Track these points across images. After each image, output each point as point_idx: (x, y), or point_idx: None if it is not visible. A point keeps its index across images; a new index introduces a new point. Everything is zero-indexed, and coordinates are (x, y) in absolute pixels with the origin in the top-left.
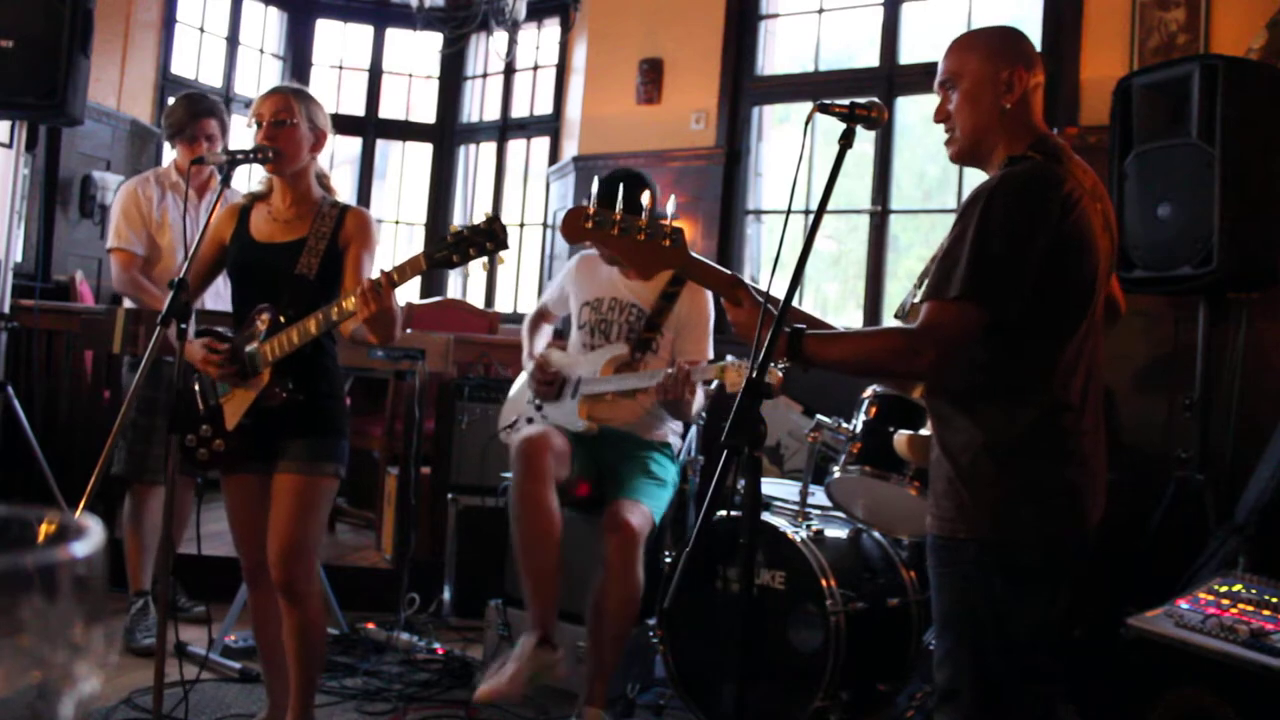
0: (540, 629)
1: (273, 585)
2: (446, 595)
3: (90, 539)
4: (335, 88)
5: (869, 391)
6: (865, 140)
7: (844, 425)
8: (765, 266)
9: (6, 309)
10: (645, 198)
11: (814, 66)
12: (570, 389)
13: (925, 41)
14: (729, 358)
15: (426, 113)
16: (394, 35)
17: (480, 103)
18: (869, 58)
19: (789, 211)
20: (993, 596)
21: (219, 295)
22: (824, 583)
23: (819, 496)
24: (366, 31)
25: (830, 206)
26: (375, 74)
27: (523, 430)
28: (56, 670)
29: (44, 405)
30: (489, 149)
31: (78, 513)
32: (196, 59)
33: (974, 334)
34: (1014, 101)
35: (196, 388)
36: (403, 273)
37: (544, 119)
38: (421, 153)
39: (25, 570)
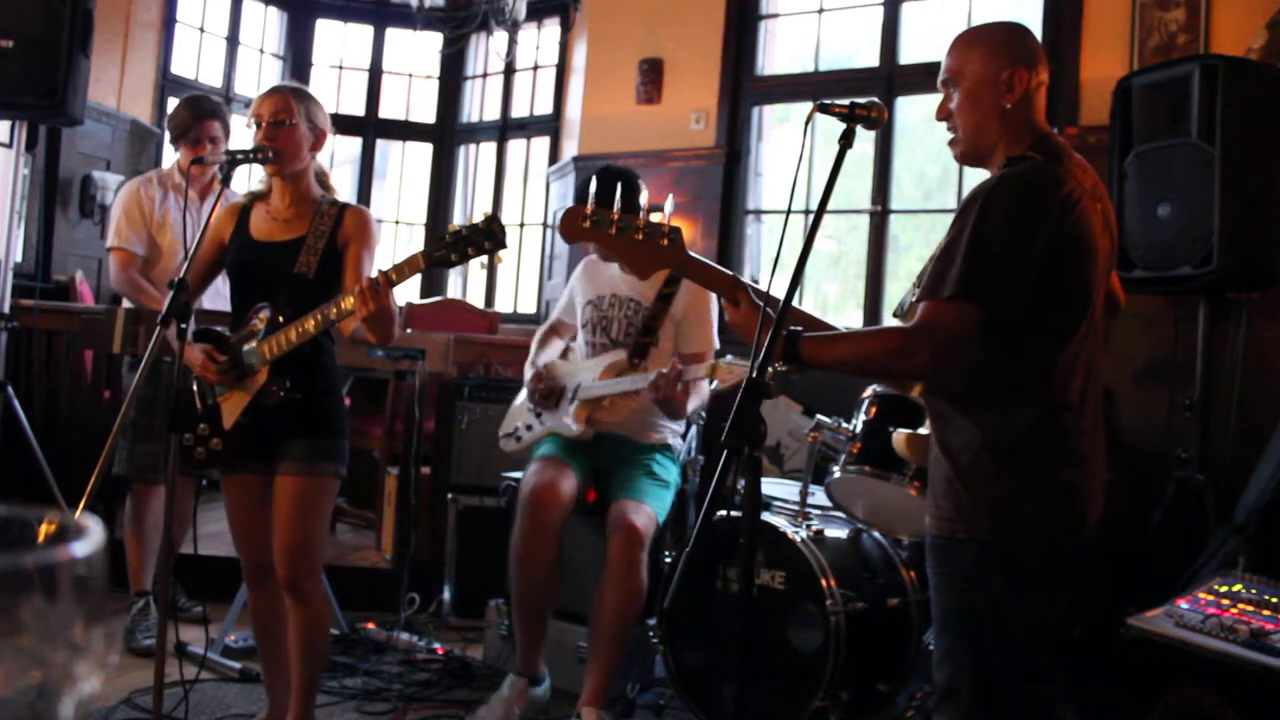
0: (528, 668)
1: (273, 585)
2: (446, 595)
3: (90, 539)
4: (335, 88)
5: (869, 391)
6: (865, 140)
7: (844, 425)
8: (765, 266)
9: (6, 309)
10: (643, 198)
11: (814, 66)
12: (569, 395)
13: (925, 41)
14: (729, 357)
15: (426, 113)
16: (394, 35)
17: (480, 103)
18: (869, 58)
19: (789, 211)
20: (992, 596)
21: (219, 294)
22: (824, 583)
23: (819, 496)
24: (366, 31)
25: (830, 206)
26: (375, 74)
27: (531, 475)
28: (56, 670)
29: (44, 405)
30: (489, 149)
31: (78, 513)
32: (196, 59)
33: (970, 334)
34: (1014, 102)
35: (195, 387)
36: (401, 272)
37: (544, 119)
38: (421, 153)
39: (25, 570)
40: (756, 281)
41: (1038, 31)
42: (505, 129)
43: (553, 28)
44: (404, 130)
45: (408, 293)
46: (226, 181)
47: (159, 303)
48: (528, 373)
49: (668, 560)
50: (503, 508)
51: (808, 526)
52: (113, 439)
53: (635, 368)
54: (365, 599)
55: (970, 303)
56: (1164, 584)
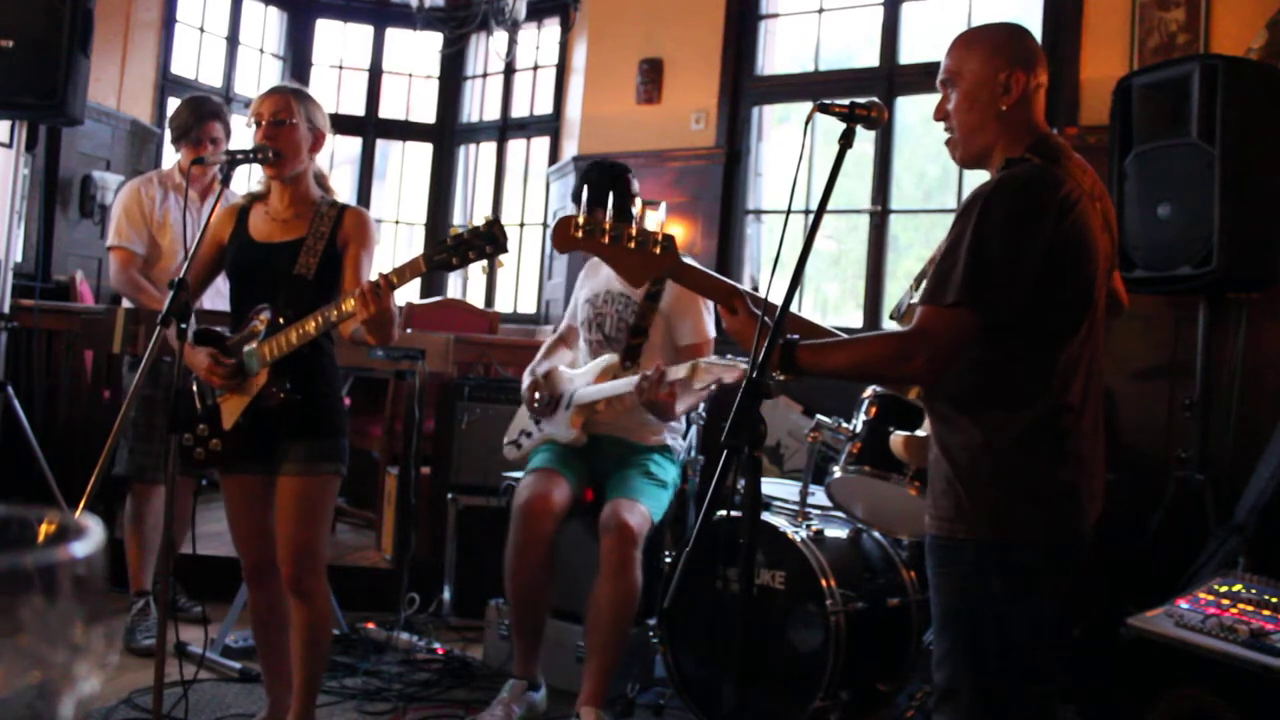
0: (525, 673)
1: (273, 585)
2: (446, 595)
3: (90, 539)
4: (335, 88)
5: (869, 392)
6: (865, 140)
7: (844, 425)
8: (765, 266)
9: (6, 309)
10: (635, 186)
11: (814, 66)
12: (565, 401)
13: (925, 41)
14: (729, 356)
15: (426, 113)
16: (394, 35)
17: (480, 103)
18: (869, 58)
19: (789, 211)
20: (991, 596)
21: (219, 294)
22: (824, 583)
23: (819, 496)
24: (366, 31)
25: (830, 206)
26: (375, 74)
27: (524, 487)
28: (56, 670)
29: (44, 405)
30: (489, 149)
31: (78, 513)
32: (196, 59)
33: (968, 339)
34: (1011, 104)
35: (194, 387)
36: (402, 275)
37: (544, 119)
38: (421, 153)
39: (25, 570)
40: (756, 282)
41: (1038, 31)
42: (505, 129)
43: (553, 28)
44: (404, 130)
45: (408, 293)
46: (226, 182)
47: (159, 302)
48: (525, 380)
49: (668, 560)
50: (503, 508)
51: (808, 526)
52: (113, 439)
53: (628, 370)
54: (365, 599)
55: (969, 309)
56: (1164, 584)
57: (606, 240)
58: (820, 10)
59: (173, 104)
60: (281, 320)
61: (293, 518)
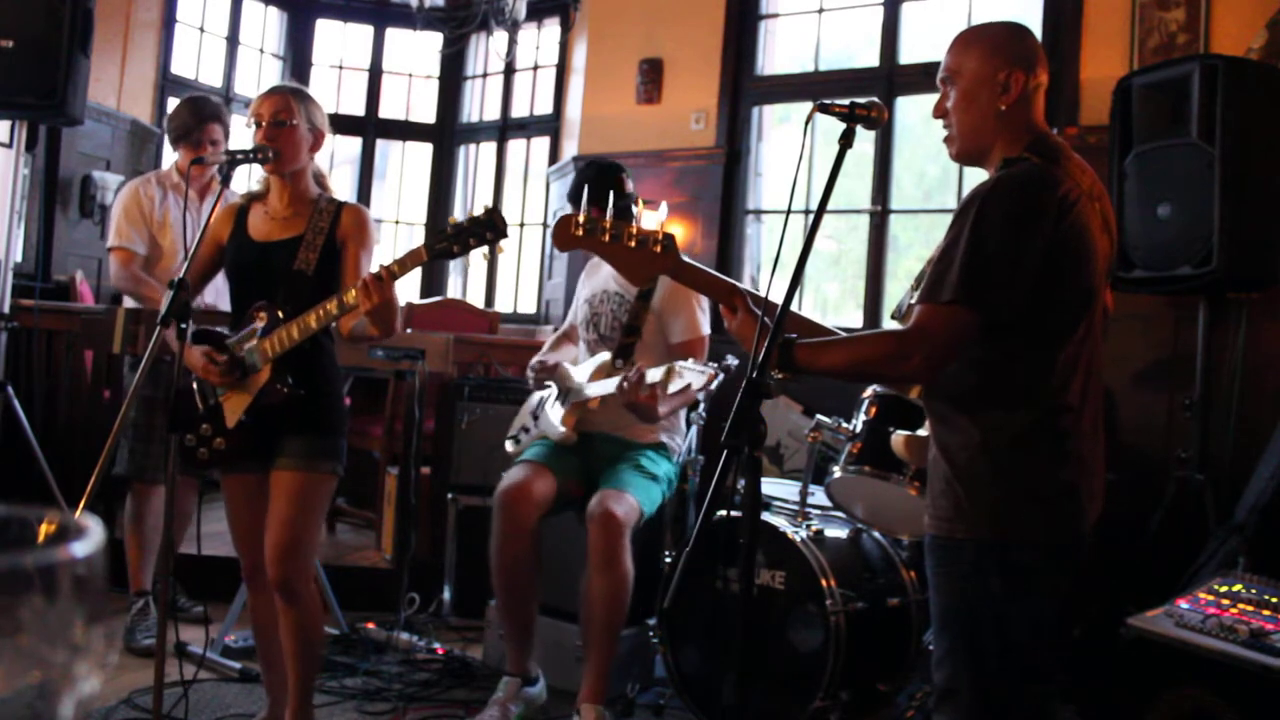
0: (519, 668)
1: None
2: (446, 595)
3: (90, 539)
4: (335, 88)
5: (869, 391)
6: (865, 140)
7: (844, 425)
8: (765, 266)
9: (6, 309)
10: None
11: (814, 66)
12: (561, 398)
13: (925, 41)
14: (729, 357)
15: (426, 113)
16: (394, 35)
17: (480, 103)
18: (869, 58)
19: (789, 211)
20: (991, 596)
21: (220, 294)
22: (824, 583)
23: (819, 496)
24: (366, 31)
25: (830, 206)
26: (375, 74)
27: (506, 478)
28: (56, 670)
29: (44, 405)
30: (489, 149)
31: (78, 513)
32: (196, 59)
33: (966, 338)
34: (1010, 103)
35: (195, 387)
36: (403, 265)
37: (544, 119)
38: (421, 153)
39: (25, 570)
40: (757, 282)
41: (1038, 31)
42: (505, 129)
43: (553, 28)
44: (404, 130)
45: (408, 293)
46: (226, 181)
47: (160, 295)
48: (533, 361)
49: (668, 560)
50: None
51: (808, 526)
52: (113, 439)
53: (619, 369)
54: (365, 599)
55: (967, 308)
56: (1164, 584)
57: (607, 239)
58: (820, 10)
59: (173, 104)
60: (280, 314)
61: (284, 514)
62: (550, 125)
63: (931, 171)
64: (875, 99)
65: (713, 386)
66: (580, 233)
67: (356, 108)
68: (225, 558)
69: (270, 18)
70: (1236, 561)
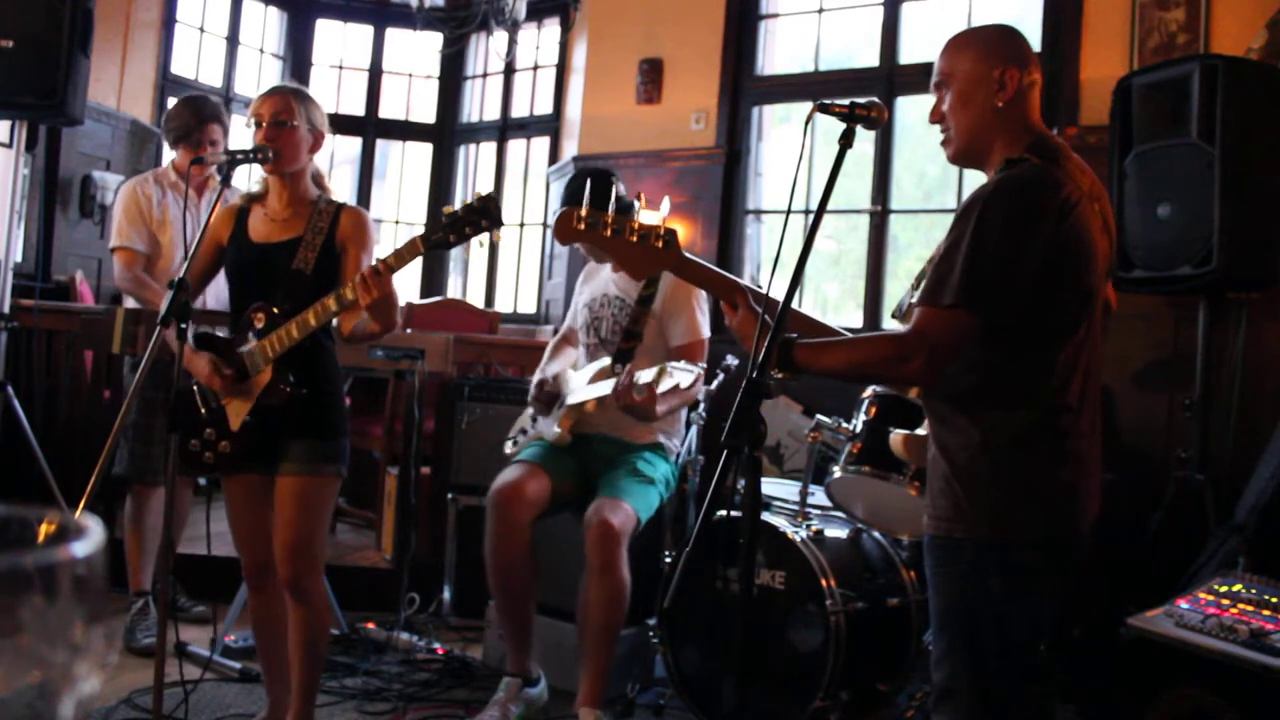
0: (519, 668)
1: (273, 585)
2: (446, 595)
3: (90, 539)
4: (335, 88)
5: (869, 391)
6: (865, 140)
7: (844, 425)
8: (765, 266)
9: (6, 309)
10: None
11: (814, 66)
12: (559, 401)
13: (925, 41)
14: (729, 357)
15: (426, 113)
16: (394, 35)
17: (480, 103)
18: (869, 58)
19: (789, 211)
20: (990, 596)
21: (220, 298)
22: (824, 583)
23: (819, 496)
24: (366, 31)
25: (830, 206)
26: (375, 74)
27: (499, 478)
28: (56, 670)
29: (44, 405)
30: (489, 149)
31: (78, 513)
32: (196, 59)
33: (966, 341)
34: (1007, 100)
35: (196, 389)
36: (400, 257)
37: (544, 119)
38: (421, 153)
39: (25, 570)
40: (757, 282)
41: (1037, 31)
42: (505, 129)
43: (553, 28)
44: (404, 130)
45: (408, 293)
46: (226, 181)
47: (162, 299)
48: (535, 379)
49: (668, 560)
50: None
51: (808, 526)
52: (113, 439)
53: (618, 373)
54: (365, 599)
55: (968, 311)
56: (1164, 584)
57: (609, 233)
58: (820, 10)
59: (173, 104)
60: (276, 312)
61: (292, 517)
62: (550, 125)
63: (931, 171)
64: (875, 99)
65: (701, 386)
66: (582, 227)
67: (356, 108)
68: (225, 558)
69: (270, 18)
70: (1236, 561)
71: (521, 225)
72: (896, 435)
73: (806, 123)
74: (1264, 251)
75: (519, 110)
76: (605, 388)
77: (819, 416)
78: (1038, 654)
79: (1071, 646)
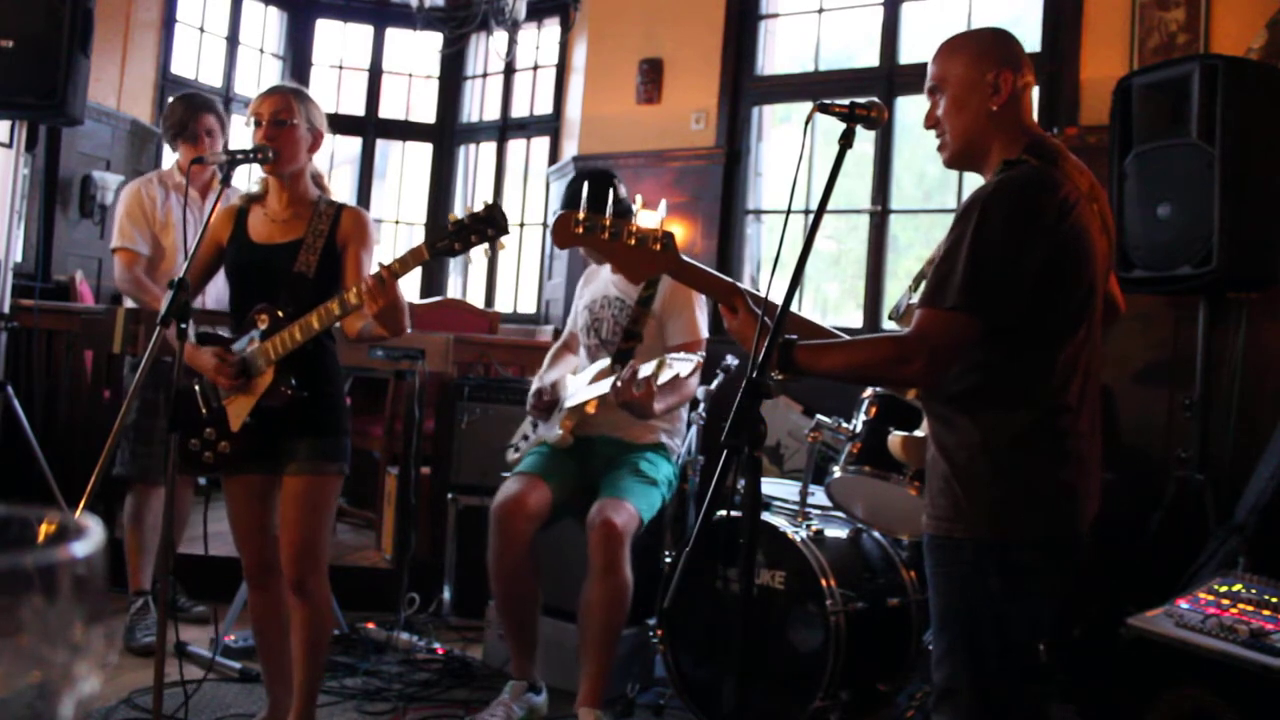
0: (523, 675)
1: (273, 585)
2: (446, 595)
3: (90, 539)
4: (335, 88)
5: (869, 392)
6: (865, 140)
7: (844, 425)
8: (765, 266)
9: (6, 309)
10: (622, 191)
11: (814, 66)
12: (559, 406)
13: (925, 41)
14: (729, 358)
15: (426, 113)
16: (394, 35)
17: (480, 103)
18: (869, 58)
19: (789, 211)
20: (990, 596)
21: (220, 298)
22: (824, 583)
23: (819, 496)
24: (366, 31)
25: (830, 206)
26: (375, 74)
27: (501, 491)
28: (56, 670)
29: (44, 405)
30: (489, 149)
31: (78, 513)
32: (196, 59)
33: (967, 343)
34: (1001, 103)
35: (198, 389)
36: (405, 264)
37: (544, 119)
38: (421, 153)
39: (25, 570)
40: (757, 282)
41: (1037, 31)
42: (505, 129)
43: (553, 28)
44: (404, 130)
45: (408, 294)
46: (227, 181)
47: (161, 301)
48: (533, 387)
49: (668, 560)
50: None
51: (808, 526)
52: (113, 439)
53: (618, 372)
54: (365, 599)
55: (969, 312)
56: (1164, 584)
57: (606, 236)
58: (820, 10)
59: (177, 102)
60: (281, 315)
61: (296, 517)
62: (550, 125)
63: (931, 171)
64: (875, 99)
65: (698, 383)
66: (580, 230)
67: (356, 108)
68: (226, 558)
69: (270, 18)
70: (1236, 561)
71: (521, 225)
72: (895, 437)
73: (806, 123)
74: (1264, 251)
75: (519, 110)
76: (605, 387)
77: (819, 416)
78: (1037, 654)
79: (1071, 646)
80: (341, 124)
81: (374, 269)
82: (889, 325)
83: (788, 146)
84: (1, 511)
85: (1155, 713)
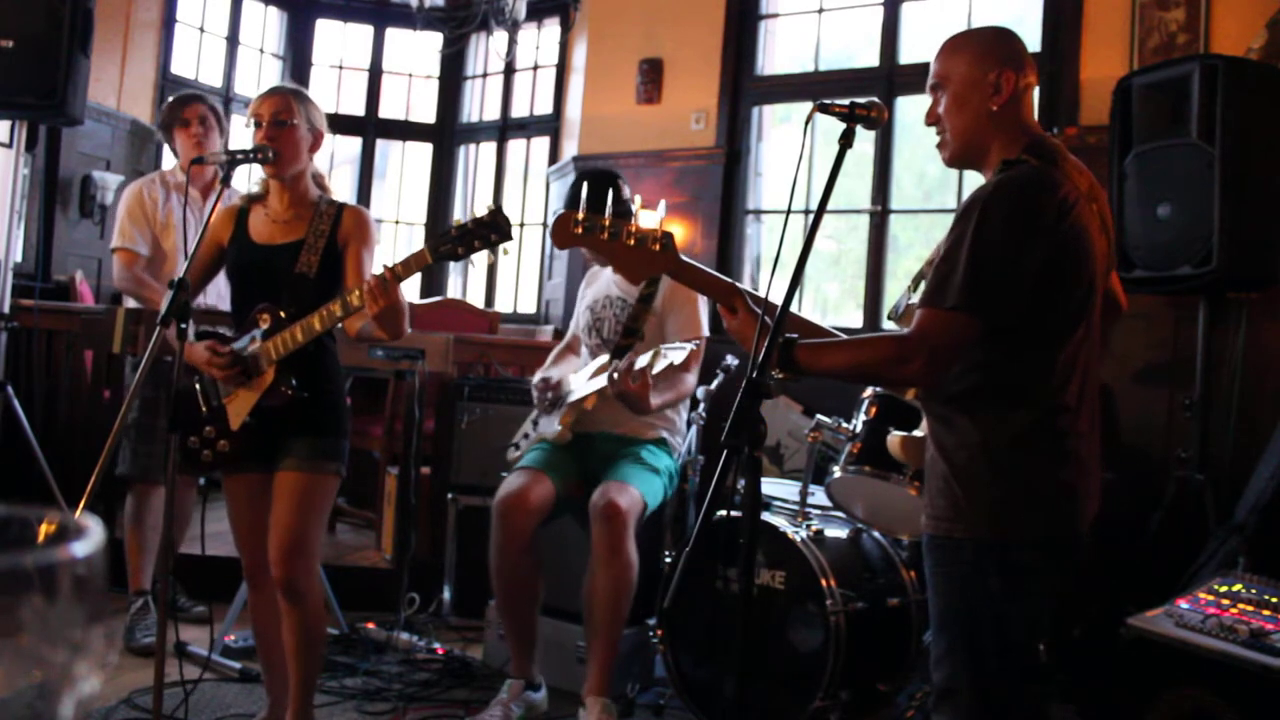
0: (522, 672)
1: (273, 585)
2: (446, 595)
3: (90, 539)
4: (335, 88)
5: (869, 392)
6: (865, 140)
7: (844, 425)
8: (765, 266)
9: (6, 309)
10: (625, 192)
11: (814, 66)
12: (561, 402)
13: (925, 41)
14: (728, 357)
15: (426, 113)
16: (394, 35)
17: (480, 103)
18: (869, 58)
19: (789, 211)
20: (990, 596)
21: (221, 298)
22: (824, 583)
23: (819, 496)
24: (366, 31)
25: (830, 206)
26: (375, 74)
27: (503, 486)
28: (56, 670)
29: (44, 405)
30: (489, 149)
31: (78, 513)
32: (196, 59)
33: (966, 343)
34: (1002, 103)
35: (198, 388)
36: (407, 266)
37: (544, 119)
38: (421, 153)
39: (25, 570)
40: (757, 282)
41: (1037, 31)
42: (505, 129)
43: (553, 28)
44: (404, 130)
45: (408, 294)
46: (227, 181)
47: (162, 299)
48: (536, 378)
49: (668, 560)
50: None
51: (808, 526)
52: (113, 439)
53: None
54: (365, 599)
55: (969, 313)
56: (1164, 584)
57: (605, 236)
58: (820, 10)
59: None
60: (283, 315)
61: (288, 515)
62: (550, 125)
63: (931, 171)
64: (875, 99)
65: (694, 381)
66: (579, 230)
67: (356, 108)
68: (226, 558)
69: (270, 18)
70: (1236, 561)
71: (521, 225)
72: (894, 437)
73: (806, 123)
74: (1264, 251)
75: (519, 110)
76: (603, 381)
77: (819, 416)
78: (1037, 654)
79: (1071, 646)
80: (341, 124)
81: (375, 269)
82: (889, 325)
83: (788, 146)
84: (1, 511)
85: (1155, 713)
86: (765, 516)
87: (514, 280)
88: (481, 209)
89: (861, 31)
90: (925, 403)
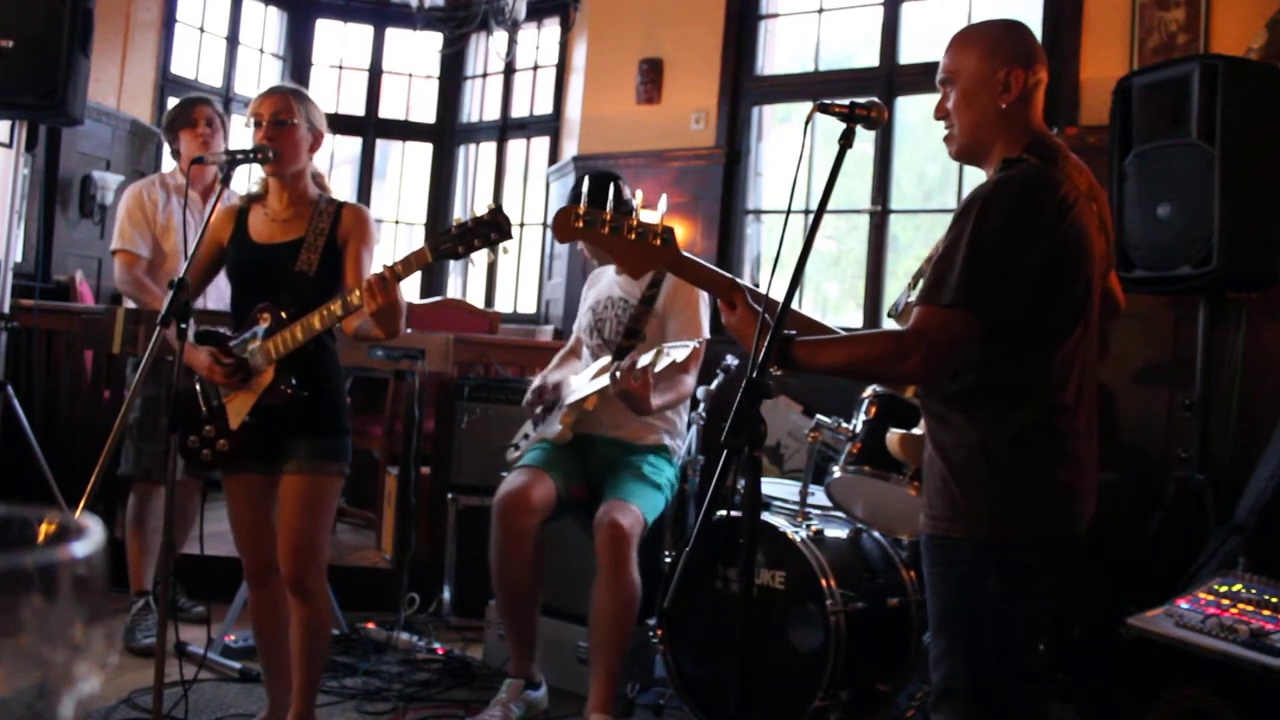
0: (521, 671)
1: (274, 585)
2: (446, 595)
3: (90, 539)
4: (335, 88)
5: (869, 391)
6: (865, 140)
7: (844, 425)
8: (765, 266)
9: (6, 309)
10: (625, 192)
11: (814, 66)
12: (559, 404)
13: (925, 41)
14: (728, 357)
15: (426, 113)
16: (394, 35)
17: (480, 102)
18: (869, 58)
19: (789, 211)
20: (989, 596)
21: (221, 298)
22: (824, 583)
23: (819, 496)
24: (366, 31)
25: (830, 206)
26: (375, 74)
27: (504, 484)
28: (56, 670)
29: (44, 405)
30: (489, 149)
31: (78, 513)
32: (196, 59)
33: (965, 340)
34: (1010, 101)
35: (198, 387)
36: (408, 265)
37: (544, 119)
38: (421, 152)
39: (25, 570)
40: (757, 282)
41: (1037, 31)
42: (505, 129)
43: (553, 28)
44: (404, 130)
45: (408, 294)
46: (227, 181)
47: (162, 302)
48: (534, 384)
49: (668, 560)
50: None
51: (808, 526)
52: (113, 439)
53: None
54: (365, 599)
55: (968, 311)
56: (1164, 584)
57: (607, 230)
58: (820, 10)
59: (173, 104)
60: (284, 315)
61: (295, 517)
62: (550, 125)
63: (931, 171)
64: (875, 99)
65: (692, 381)
66: (580, 225)
67: (356, 108)
68: (226, 558)
69: (270, 18)
70: (1236, 561)
71: (521, 225)
72: (893, 435)
73: (806, 123)
74: (1264, 251)
75: (519, 110)
76: (604, 380)
77: (819, 416)
78: (1037, 654)
79: (1071, 646)
80: (341, 124)
81: (375, 267)
82: (888, 324)
83: (788, 146)
84: (1, 511)
85: (1155, 713)
86: (765, 516)
87: (514, 280)
88: (481, 208)
89: (861, 31)
90: (923, 402)
